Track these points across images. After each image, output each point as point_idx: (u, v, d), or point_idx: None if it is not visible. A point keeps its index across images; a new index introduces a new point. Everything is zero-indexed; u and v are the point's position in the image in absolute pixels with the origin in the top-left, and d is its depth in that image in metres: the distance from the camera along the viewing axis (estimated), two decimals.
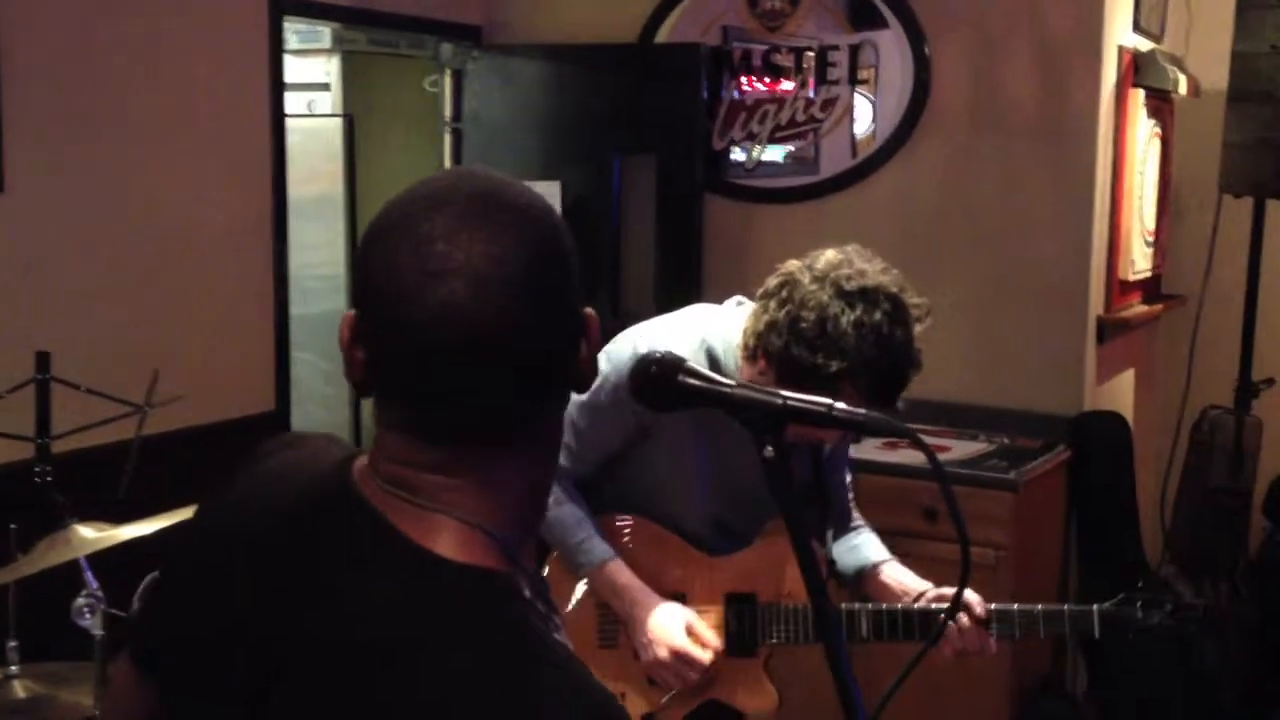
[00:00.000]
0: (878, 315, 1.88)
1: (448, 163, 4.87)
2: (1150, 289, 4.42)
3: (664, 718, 2.20)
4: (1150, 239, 4.31)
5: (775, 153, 4.42)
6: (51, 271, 3.36)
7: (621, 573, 2.15)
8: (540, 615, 1.03)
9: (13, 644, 2.23)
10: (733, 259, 4.48)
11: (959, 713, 3.61)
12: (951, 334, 4.18)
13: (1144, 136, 4.13)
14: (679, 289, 4.53)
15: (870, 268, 1.94)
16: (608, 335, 2.23)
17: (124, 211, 3.56)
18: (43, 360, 2.74)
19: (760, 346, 1.96)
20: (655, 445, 2.13)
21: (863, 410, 1.23)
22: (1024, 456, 3.77)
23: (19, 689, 2.18)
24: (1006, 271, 4.05)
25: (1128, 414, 4.23)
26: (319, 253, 5.33)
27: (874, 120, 4.21)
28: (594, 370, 1.07)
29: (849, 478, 2.36)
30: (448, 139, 4.87)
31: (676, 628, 2.11)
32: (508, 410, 1.01)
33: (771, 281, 1.99)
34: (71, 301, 3.40)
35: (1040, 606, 2.13)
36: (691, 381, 1.23)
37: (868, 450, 3.84)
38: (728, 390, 1.23)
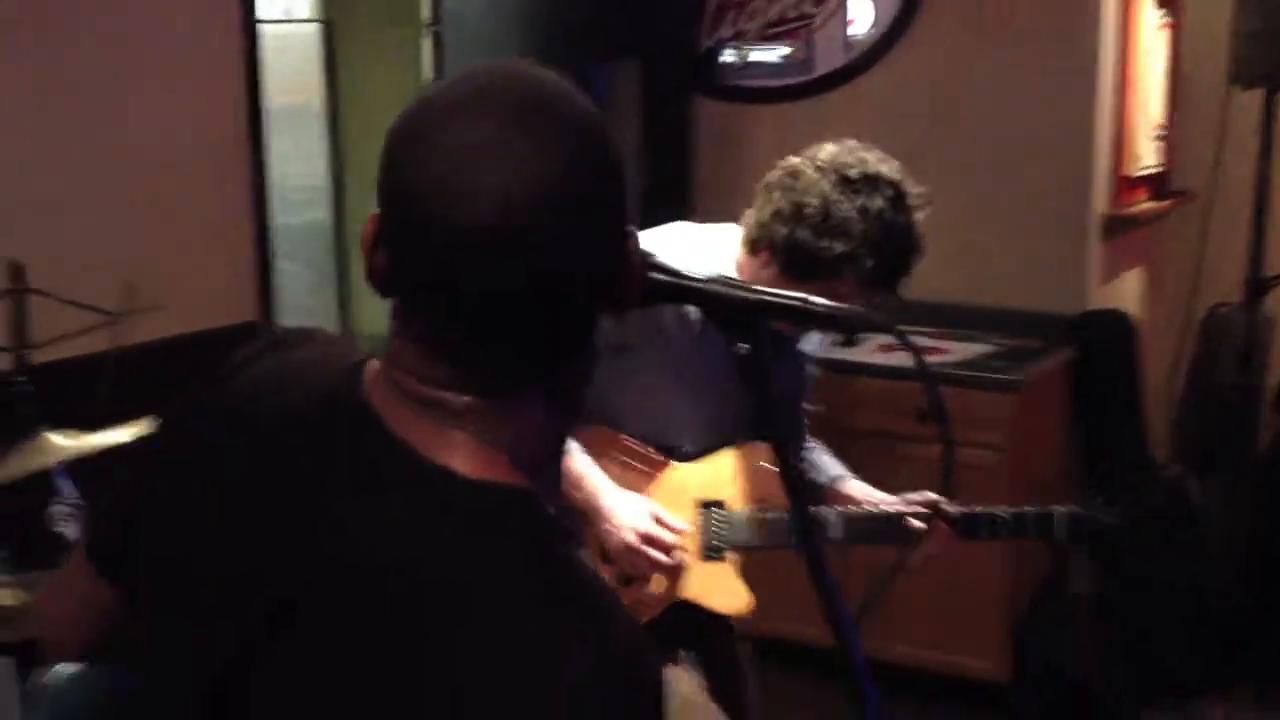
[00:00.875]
0: (880, 201, 1.93)
1: (427, 68, 4.72)
2: (1158, 185, 4.32)
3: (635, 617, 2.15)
4: (1158, 133, 4.20)
5: (766, 52, 4.28)
6: (21, 181, 3.25)
7: (583, 463, 2.08)
8: (565, 533, 0.97)
9: (1, 554, 2.17)
10: (724, 164, 4.36)
11: (959, 617, 3.59)
12: (951, 234, 4.07)
13: (1151, 27, 4.00)
14: (669, 197, 4.42)
15: (871, 157, 1.99)
16: None
17: (93, 120, 3.45)
18: (17, 271, 2.66)
19: (764, 237, 1.99)
20: (630, 362, 2.06)
21: (841, 305, 1.20)
22: (1026, 357, 3.70)
23: (8, 597, 2.13)
24: (1007, 168, 3.95)
25: (1136, 312, 4.16)
26: (300, 164, 5.20)
27: (871, 14, 4.07)
28: (634, 293, 0.99)
29: (806, 405, 2.36)
30: (427, 43, 4.71)
31: (642, 511, 2.09)
32: (541, 338, 0.94)
33: (774, 174, 2.01)
34: (44, 212, 3.30)
35: (1004, 509, 2.16)
36: (662, 277, 1.14)
37: (863, 353, 3.77)
38: (700, 284, 1.15)
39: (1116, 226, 3.95)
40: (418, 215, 0.90)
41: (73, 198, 3.37)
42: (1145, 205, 4.15)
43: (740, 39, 4.30)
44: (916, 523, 2.12)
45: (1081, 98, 3.80)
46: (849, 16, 4.11)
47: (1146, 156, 4.10)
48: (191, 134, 3.71)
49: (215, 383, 1.07)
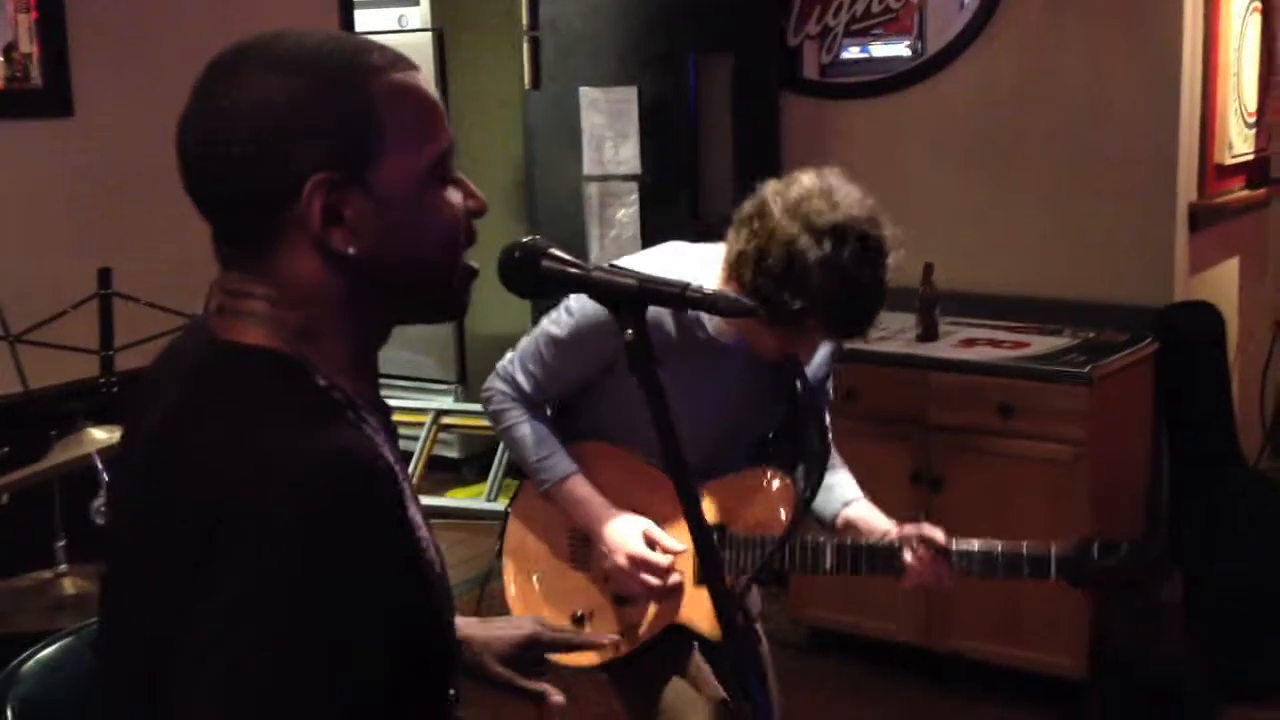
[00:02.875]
0: (845, 254, 1.88)
1: (526, 71, 4.86)
2: (1255, 172, 4.19)
3: (628, 641, 2.18)
4: (1252, 120, 4.07)
5: (851, 47, 4.30)
6: (115, 190, 3.47)
7: (582, 486, 2.16)
8: (327, 398, 1.13)
9: (61, 543, 2.35)
10: (812, 157, 4.37)
11: (1039, 614, 3.56)
12: (1034, 226, 4.06)
13: (1240, 10, 3.89)
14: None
15: (845, 199, 1.92)
16: (687, 237, 2.22)
17: None
18: (104, 276, 2.85)
19: (734, 274, 1.98)
20: (628, 381, 2.10)
21: (715, 291, 1.23)
22: (1106, 350, 3.64)
23: (68, 586, 2.30)
24: (1090, 158, 3.89)
25: (1230, 305, 4.05)
26: None
27: (956, 5, 4.06)
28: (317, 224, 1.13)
29: (829, 418, 2.28)
30: (526, 47, 4.86)
31: (634, 534, 2.12)
32: (241, 220, 1.15)
33: (746, 207, 1.99)
34: (134, 220, 3.51)
35: (1000, 545, 2.09)
36: (553, 266, 1.24)
37: (941, 349, 3.77)
38: (586, 273, 1.23)
39: (1206, 216, 3.85)
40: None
41: (162, 208, 3.58)
42: (1239, 194, 4.03)
43: (826, 34, 4.33)
44: (908, 556, 2.09)
45: (1165, 83, 3.72)
46: (930, 10, 4.11)
47: (1240, 144, 3.98)
48: None
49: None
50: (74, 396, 2.64)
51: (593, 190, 4.53)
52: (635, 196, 4.48)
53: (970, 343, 3.82)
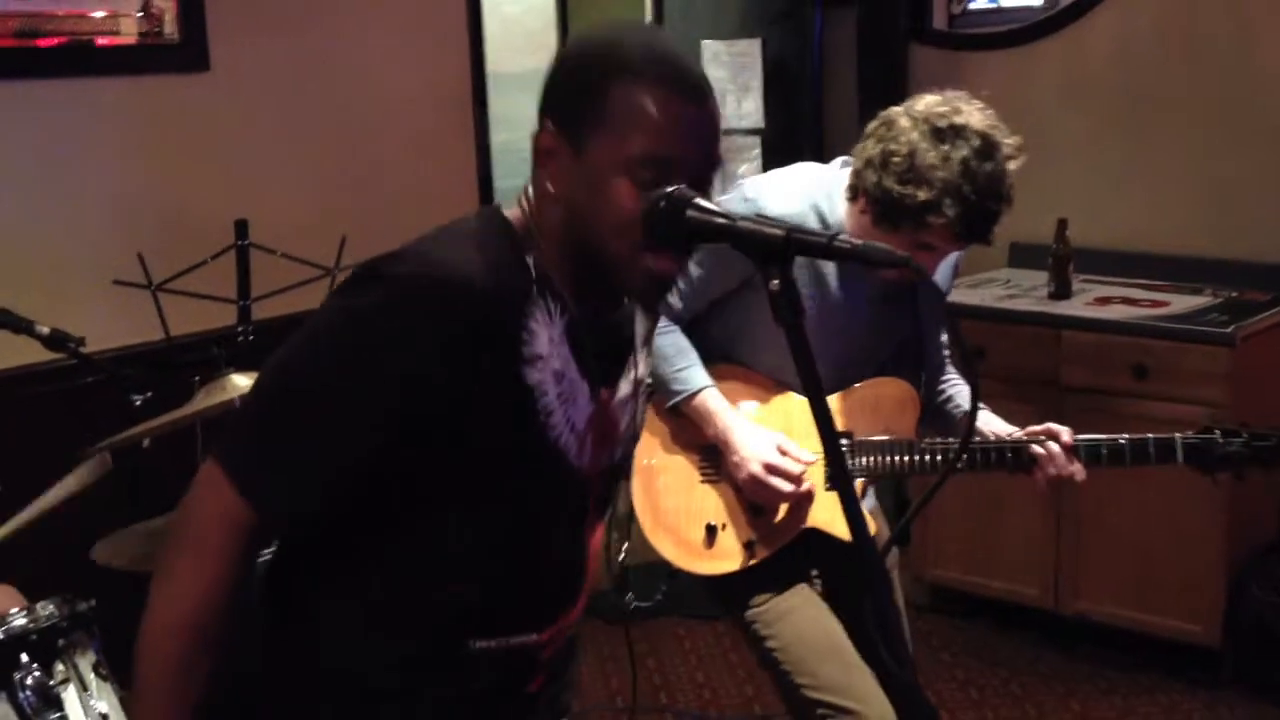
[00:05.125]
0: (965, 150, 1.98)
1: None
2: None
3: (764, 546, 2.25)
4: None
5: None
6: (251, 144, 3.53)
7: (716, 399, 2.22)
8: (512, 259, 1.37)
9: None
10: None
11: (1173, 579, 3.47)
12: (1173, 182, 3.93)
13: None
14: None
15: (967, 107, 2.04)
16: None
17: (320, 84, 3.70)
18: (241, 228, 2.90)
19: (858, 184, 2.09)
20: (761, 300, 2.12)
21: (865, 242, 1.22)
22: (1248, 310, 3.52)
23: None
24: (1234, 111, 3.75)
25: None
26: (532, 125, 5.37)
27: None
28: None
29: (944, 336, 2.40)
30: (648, 2, 4.81)
31: (767, 444, 2.19)
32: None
33: (872, 123, 2.11)
34: (269, 172, 3.57)
35: (1125, 437, 2.19)
36: (698, 215, 1.26)
37: (1075, 307, 3.68)
38: (733, 223, 1.25)
39: None
40: None
41: (297, 160, 3.64)
42: None
43: None
44: (1037, 448, 2.17)
45: None
46: None
47: None
48: (414, 97, 3.93)
49: None
50: (213, 344, 2.71)
51: None
52: (758, 151, 4.42)
53: (1105, 301, 3.71)
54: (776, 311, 1.19)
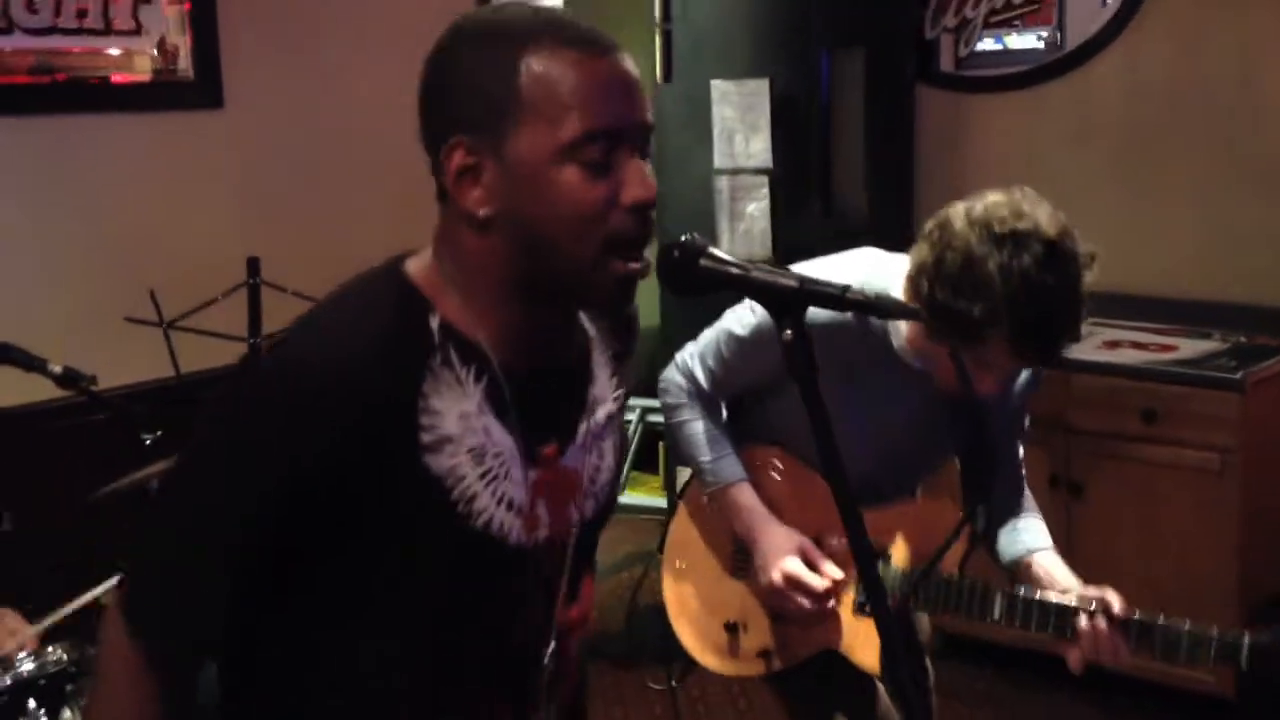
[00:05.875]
0: (1026, 259, 1.76)
1: (658, 64, 4.85)
2: None
3: (780, 658, 2.15)
4: None
5: (986, 38, 4.21)
6: (264, 180, 3.53)
7: (746, 495, 2.12)
8: (412, 328, 1.21)
9: None
10: (947, 153, 4.32)
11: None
12: (1182, 226, 3.93)
13: None
14: (891, 185, 4.41)
15: (1031, 210, 1.81)
16: (820, 240, 2.15)
17: (334, 122, 3.71)
18: (253, 265, 2.91)
19: (912, 289, 1.87)
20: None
21: (879, 294, 1.18)
22: (1258, 355, 3.51)
23: None
24: (1243, 156, 3.76)
25: None
26: None
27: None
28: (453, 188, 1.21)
29: (1021, 451, 2.17)
30: (658, 39, 4.84)
31: (791, 551, 2.07)
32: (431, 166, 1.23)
33: (929, 223, 1.89)
34: (281, 209, 3.57)
35: (1188, 625, 1.91)
36: (711, 265, 1.20)
37: (1085, 350, 3.67)
38: (744, 273, 1.19)
39: None
40: None
41: (309, 197, 3.64)
42: None
43: (964, 26, 4.24)
44: (1083, 622, 1.93)
45: None
46: (1072, 1, 4.00)
47: None
48: None
49: None
50: (224, 381, 2.69)
51: (723, 184, 4.50)
52: (766, 190, 4.43)
53: (1113, 344, 3.71)
54: (790, 364, 1.15)
